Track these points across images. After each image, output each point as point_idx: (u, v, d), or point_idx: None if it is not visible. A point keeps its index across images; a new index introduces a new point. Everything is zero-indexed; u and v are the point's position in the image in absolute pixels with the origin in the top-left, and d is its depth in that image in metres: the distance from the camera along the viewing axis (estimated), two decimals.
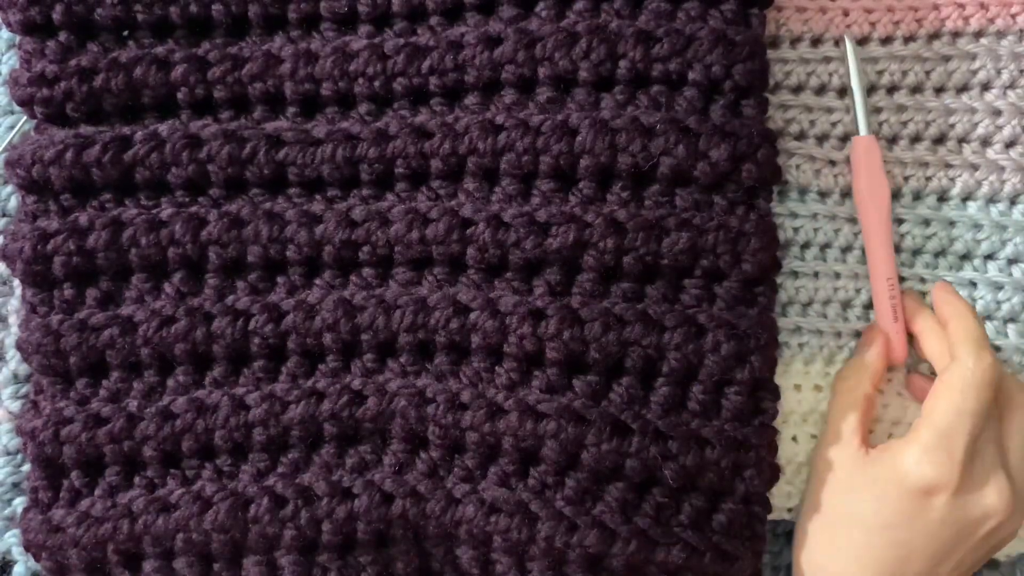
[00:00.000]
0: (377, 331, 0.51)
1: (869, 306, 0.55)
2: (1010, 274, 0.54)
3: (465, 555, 0.50)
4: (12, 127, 0.57)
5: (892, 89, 0.55)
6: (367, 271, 0.52)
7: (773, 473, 0.51)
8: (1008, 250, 0.54)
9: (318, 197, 0.53)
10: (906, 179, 0.55)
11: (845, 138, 0.55)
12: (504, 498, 0.49)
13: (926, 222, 0.55)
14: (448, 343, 0.51)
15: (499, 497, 0.49)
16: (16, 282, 0.56)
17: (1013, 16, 0.55)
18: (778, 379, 0.52)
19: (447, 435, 0.50)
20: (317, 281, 0.52)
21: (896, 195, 0.55)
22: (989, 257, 0.55)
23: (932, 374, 0.54)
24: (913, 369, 0.55)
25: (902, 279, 0.55)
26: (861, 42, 0.55)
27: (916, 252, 0.55)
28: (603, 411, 0.49)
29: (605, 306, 0.50)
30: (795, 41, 0.56)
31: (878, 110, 0.55)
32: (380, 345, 0.51)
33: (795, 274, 0.55)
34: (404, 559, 0.51)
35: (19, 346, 0.53)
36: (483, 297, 0.51)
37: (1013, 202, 0.55)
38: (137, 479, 0.52)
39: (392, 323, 0.51)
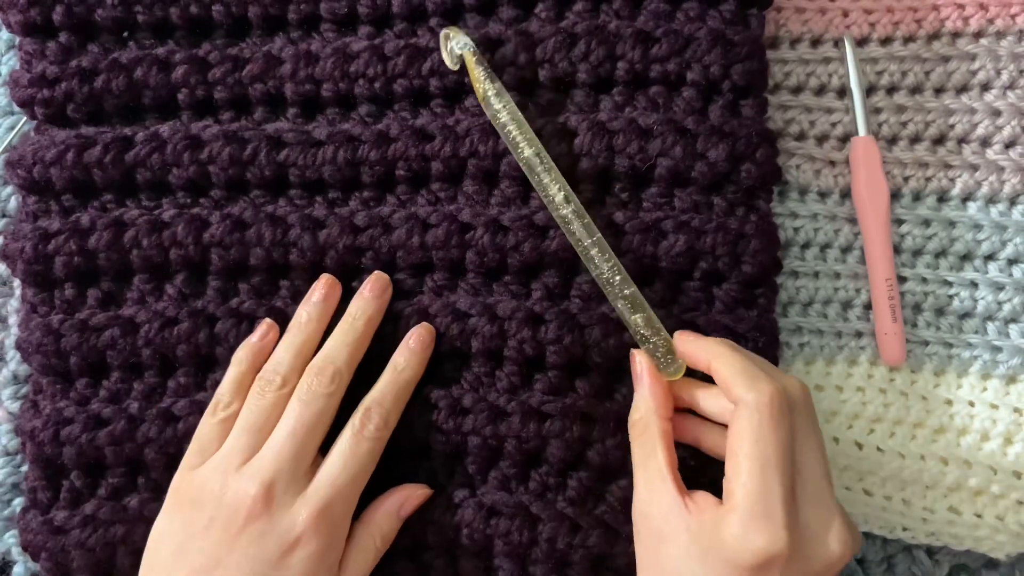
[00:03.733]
0: (378, 337, 0.51)
1: (870, 306, 0.55)
2: (1010, 274, 0.54)
3: (467, 563, 0.50)
4: (12, 128, 0.58)
5: (892, 89, 0.55)
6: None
7: None
8: (1008, 250, 0.54)
9: (319, 199, 0.53)
10: (906, 179, 0.55)
11: (845, 138, 0.55)
12: (504, 501, 0.49)
13: (926, 222, 0.55)
14: (449, 349, 0.51)
15: (499, 501, 0.49)
16: (16, 282, 0.56)
17: (1013, 16, 0.55)
18: None
19: (449, 441, 0.50)
20: None
21: (896, 195, 0.55)
22: (989, 258, 0.55)
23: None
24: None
25: (903, 279, 0.55)
26: (861, 43, 0.55)
27: (916, 253, 0.55)
28: (607, 410, 0.49)
29: (603, 311, 0.50)
30: (794, 41, 0.56)
31: (878, 110, 0.55)
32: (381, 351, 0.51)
33: (795, 274, 0.55)
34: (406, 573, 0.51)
35: (19, 346, 0.52)
36: (481, 303, 0.50)
37: (1013, 202, 0.55)
38: (141, 481, 0.51)
39: (396, 331, 0.51)
